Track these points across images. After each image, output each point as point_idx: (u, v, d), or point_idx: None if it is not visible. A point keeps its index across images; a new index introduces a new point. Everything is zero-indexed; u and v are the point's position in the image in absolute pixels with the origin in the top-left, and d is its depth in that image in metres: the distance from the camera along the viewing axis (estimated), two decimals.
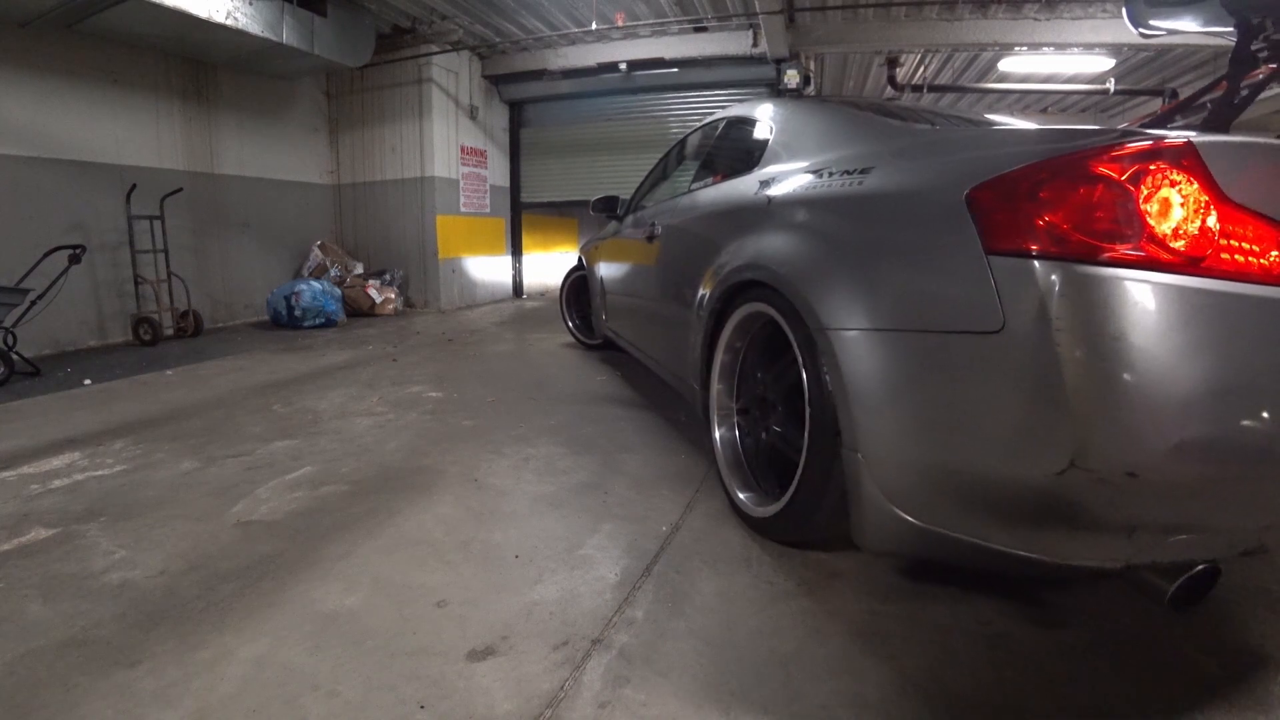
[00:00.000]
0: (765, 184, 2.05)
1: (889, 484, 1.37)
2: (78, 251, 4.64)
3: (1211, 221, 1.11)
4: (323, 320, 6.20)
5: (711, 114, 3.22)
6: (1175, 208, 1.11)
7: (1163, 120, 2.00)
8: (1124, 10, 2.08)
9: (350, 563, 1.78)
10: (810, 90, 7.09)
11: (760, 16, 5.93)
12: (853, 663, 1.37)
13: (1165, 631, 1.48)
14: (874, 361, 1.39)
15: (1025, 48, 6.92)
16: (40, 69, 4.89)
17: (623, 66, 7.44)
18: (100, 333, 5.39)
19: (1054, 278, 1.10)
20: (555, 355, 4.84)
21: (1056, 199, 1.15)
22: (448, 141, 7.52)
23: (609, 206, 4.01)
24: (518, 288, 9.23)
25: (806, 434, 1.61)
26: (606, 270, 4.04)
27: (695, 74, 7.49)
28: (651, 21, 6.96)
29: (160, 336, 5.25)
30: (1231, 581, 1.65)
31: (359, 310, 7.01)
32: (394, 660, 1.37)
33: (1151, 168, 1.12)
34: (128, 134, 5.53)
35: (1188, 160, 1.13)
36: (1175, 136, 1.16)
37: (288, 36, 5.50)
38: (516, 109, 8.66)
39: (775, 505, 1.79)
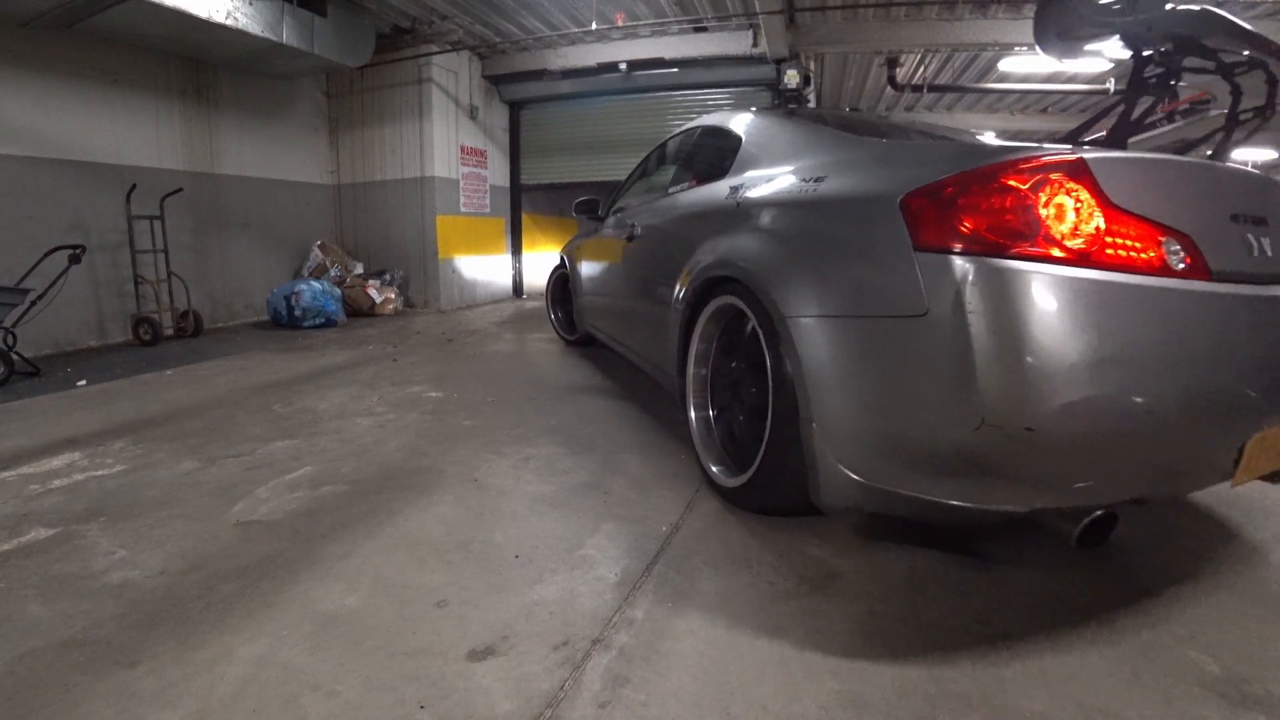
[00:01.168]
0: (735, 189, 2.26)
1: (840, 450, 1.60)
2: (78, 251, 4.64)
3: (1099, 223, 1.35)
4: (323, 320, 6.20)
5: (711, 110, 3.31)
6: (1069, 212, 1.35)
7: (1072, 137, 2.18)
8: (1036, 46, 2.30)
9: (350, 563, 1.78)
10: (810, 90, 7.09)
11: (760, 16, 5.93)
12: (853, 663, 1.37)
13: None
14: (826, 344, 1.62)
15: (1025, 48, 6.92)
16: (40, 69, 4.89)
17: (623, 66, 7.43)
18: (100, 333, 5.39)
19: (967, 270, 1.34)
20: (555, 355, 4.84)
21: (971, 205, 1.38)
22: (448, 141, 7.52)
23: (590, 208, 4.16)
24: (518, 288, 9.23)
25: (770, 411, 1.81)
26: (588, 268, 4.19)
27: (695, 74, 7.49)
28: (651, 21, 6.96)
29: (160, 336, 5.25)
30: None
31: (359, 310, 7.01)
32: (394, 660, 1.37)
33: (1050, 179, 1.36)
34: (128, 134, 5.53)
35: (1080, 173, 1.37)
36: (1070, 152, 1.39)
37: (288, 36, 5.50)
38: (516, 109, 8.65)
39: (744, 476, 1.99)
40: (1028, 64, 7.93)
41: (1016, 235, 1.34)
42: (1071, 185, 1.36)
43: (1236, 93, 2.09)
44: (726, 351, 2.25)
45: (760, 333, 1.87)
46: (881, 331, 1.50)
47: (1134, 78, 1.73)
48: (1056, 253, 1.32)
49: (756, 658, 1.38)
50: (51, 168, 5.00)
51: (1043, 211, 1.34)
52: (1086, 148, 1.48)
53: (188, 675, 1.32)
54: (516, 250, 9.14)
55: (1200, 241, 1.42)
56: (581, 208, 4.21)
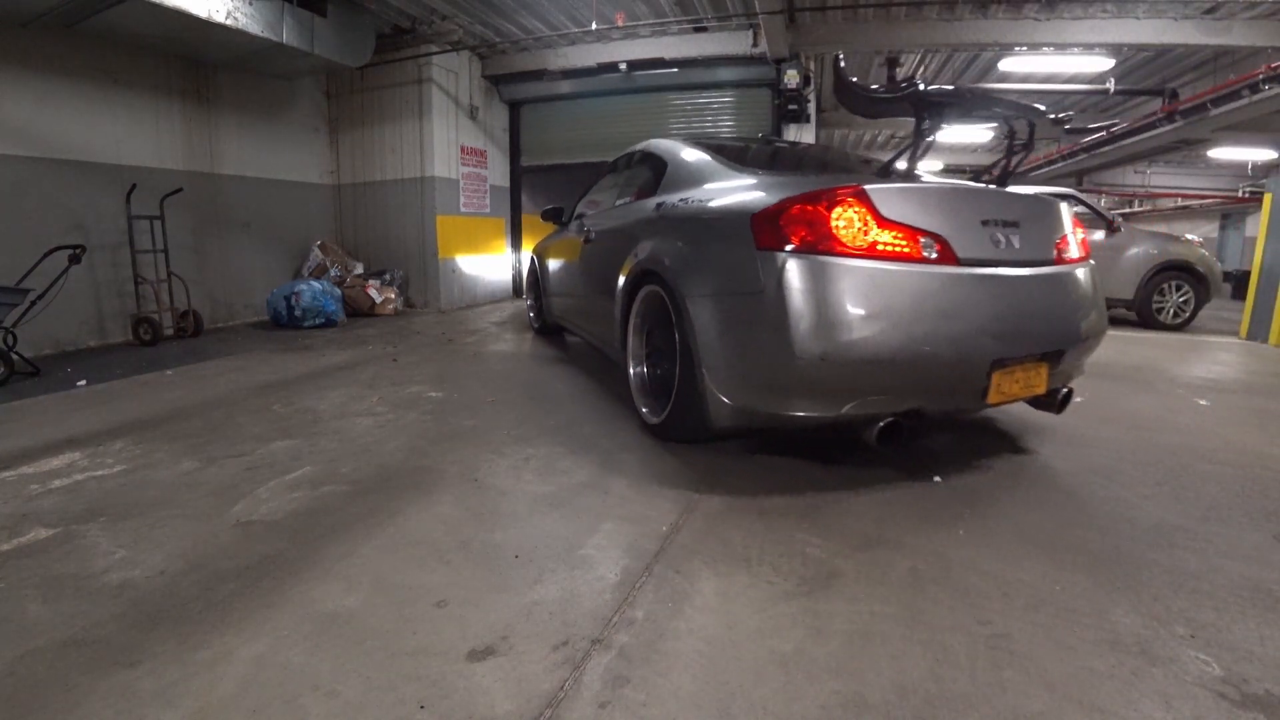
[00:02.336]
0: (659, 205, 2.93)
1: (720, 385, 2.33)
2: (78, 251, 4.64)
3: (873, 229, 2.08)
4: (323, 320, 6.20)
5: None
6: (853, 224, 2.07)
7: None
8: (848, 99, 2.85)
9: (350, 563, 1.78)
10: (810, 90, 7.09)
11: (760, 16, 5.93)
12: (853, 663, 1.37)
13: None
14: (707, 314, 2.35)
15: (1025, 48, 6.92)
16: (40, 69, 4.89)
17: (623, 66, 7.44)
18: (100, 333, 5.39)
19: (785, 261, 2.07)
20: (555, 355, 4.84)
21: (788, 221, 2.11)
22: (448, 141, 7.52)
23: (556, 215, 4.87)
24: (518, 288, 9.23)
25: (679, 365, 2.51)
26: (554, 265, 4.80)
27: (695, 74, 7.49)
28: (651, 21, 6.96)
29: (160, 336, 5.25)
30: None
31: (359, 310, 7.01)
32: (394, 660, 1.37)
33: (839, 203, 2.07)
34: (128, 134, 5.53)
35: (861, 198, 2.09)
36: (855, 184, 2.12)
37: (288, 36, 5.50)
38: (516, 109, 8.65)
39: (664, 413, 2.70)
40: (1028, 64, 7.93)
41: (817, 239, 2.06)
42: (855, 206, 2.08)
43: (1012, 134, 2.64)
44: (653, 326, 2.92)
45: (671, 309, 2.56)
46: (739, 303, 2.22)
47: (916, 129, 2.35)
48: (843, 249, 2.05)
49: (756, 658, 1.38)
50: (51, 168, 5.00)
51: (834, 224, 2.06)
52: (875, 179, 2.26)
53: (188, 675, 1.32)
54: (516, 250, 9.14)
55: (950, 239, 2.15)
56: (548, 215, 4.93)
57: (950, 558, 1.81)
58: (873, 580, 1.70)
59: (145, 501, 2.19)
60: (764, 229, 2.15)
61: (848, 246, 2.04)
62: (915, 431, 2.20)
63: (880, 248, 2.06)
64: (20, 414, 3.28)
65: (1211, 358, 5.04)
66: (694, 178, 2.88)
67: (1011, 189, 2.57)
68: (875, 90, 2.77)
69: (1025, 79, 8.83)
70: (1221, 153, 11.64)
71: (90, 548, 1.87)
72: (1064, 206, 2.61)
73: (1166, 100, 8.50)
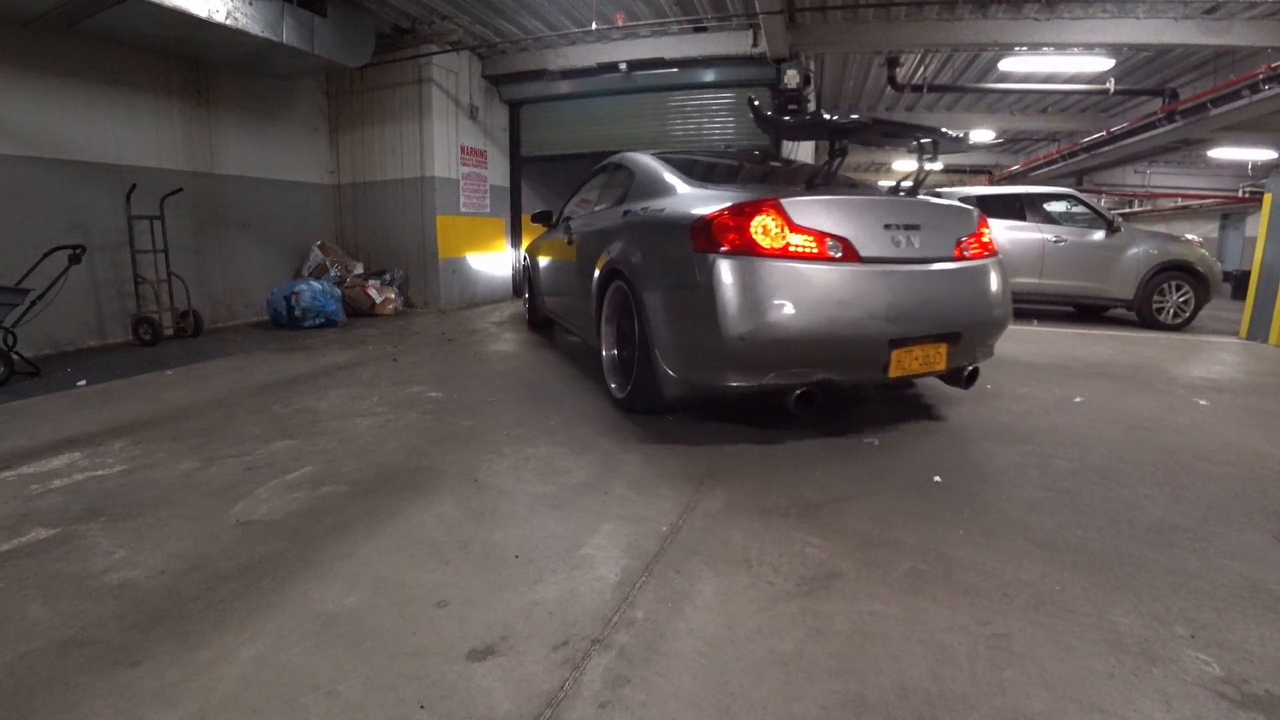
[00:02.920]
0: (626, 212, 3.35)
1: (668, 362, 2.79)
2: (77, 251, 4.63)
3: (786, 235, 2.52)
4: (323, 320, 6.20)
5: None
6: (770, 229, 2.51)
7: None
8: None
9: (350, 563, 1.78)
10: (810, 90, 7.09)
11: (760, 16, 5.93)
12: (853, 663, 1.37)
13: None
14: (658, 305, 2.81)
15: (1025, 48, 6.92)
16: (40, 69, 4.89)
17: (623, 66, 7.43)
18: (100, 333, 5.39)
19: (715, 261, 2.51)
20: (555, 355, 4.84)
21: (718, 228, 2.55)
22: (448, 141, 7.52)
23: (545, 219, 5.27)
24: (518, 288, 9.22)
25: (638, 348, 2.98)
26: (544, 263, 5.27)
27: (695, 74, 7.48)
28: (651, 21, 6.96)
29: (160, 336, 5.25)
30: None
31: (359, 310, 7.00)
32: (394, 660, 1.37)
33: (758, 213, 2.52)
34: (128, 134, 5.53)
35: (776, 208, 2.54)
36: (774, 197, 2.58)
37: (288, 36, 5.49)
38: (516, 109, 8.65)
39: (628, 388, 3.15)
40: (1028, 64, 7.93)
41: (740, 243, 2.51)
42: (771, 216, 2.53)
43: (920, 151, 2.96)
44: (620, 315, 3.35)
45: (632, 301, 3.01)
46: (681, 295, 2.69)
47: (830, 150, 2.84)
48: (761, 251, 2.50)
49: (756, 658, 1.38)
50: (51, 168, 4.99)
51: (753, 231, 2.51)
52: (794, 192, 2.72)
53: (188, 675, 1.32)
54: (516, 250, 9.13)
55: (854, 241, 2.59)
56: (537, 218, 5.35)
57: (950, 558, 1.81)
58: (873, 580, 1.70)
59: (145, 501, 2.19)
60: (699, 235, 2.61)
61: (765, 248, 2.50)
62: (828, 398, 2.70)
63: (792, 249, 2.52)
64: (20, 414, 3.28)
65: (1211, 358, 5.04)
66: (654, 189, 3.30)
67: (918, 198, 3.01)
68: (787, 120, 3.28)
69: (1025, 79, 8.84)
70: (1221, 153, 11.64)
71: (90, 548, 1.87)
72: (973, 213, 3.03)
73: (1166, 100, 8.50)
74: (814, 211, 2.57)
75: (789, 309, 2.43)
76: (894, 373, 2.62)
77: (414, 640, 1.44)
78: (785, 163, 4.19)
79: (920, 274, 2.69)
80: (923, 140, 2.90)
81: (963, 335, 2.75)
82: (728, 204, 2.58)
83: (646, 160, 3.60)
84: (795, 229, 2.52)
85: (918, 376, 2.77)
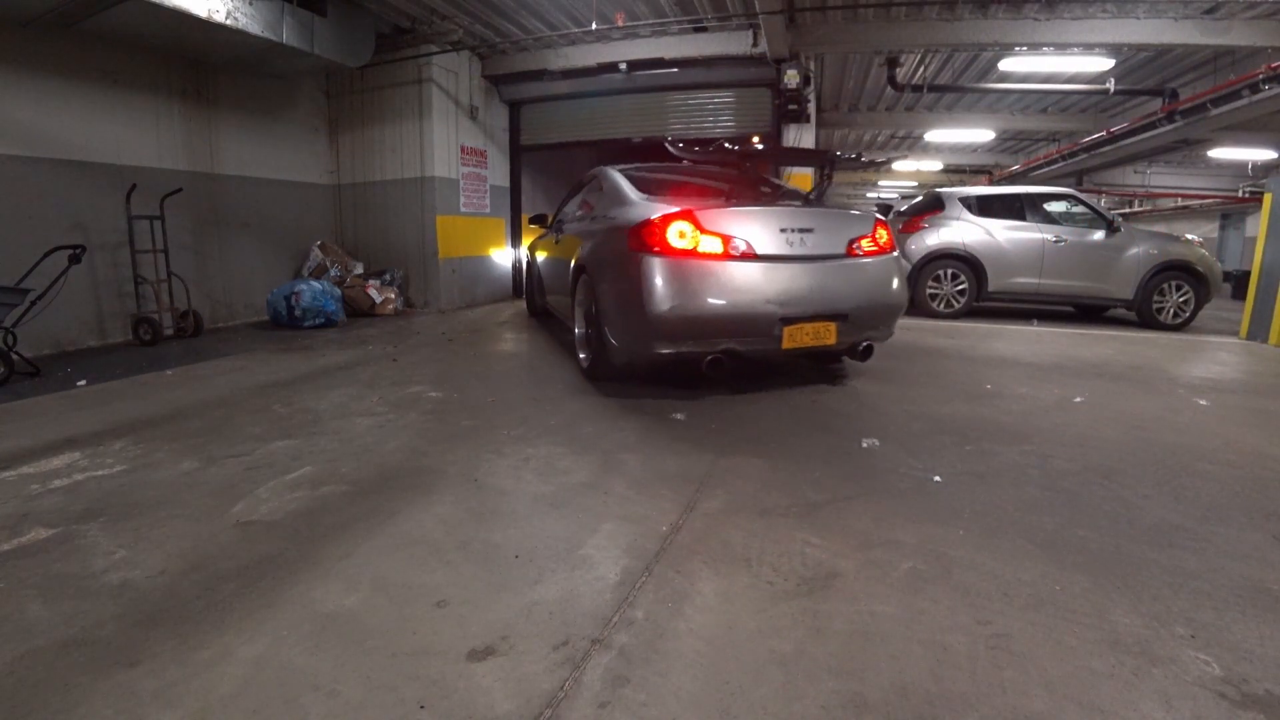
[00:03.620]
0: (594, 218, 4.12)
1: (614, 335, 3.48)
2: (78, 251, 4.63)
3: (699, 238, 3.20)
4: (323, 320, 6.20)
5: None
6: (685, 234, 3.20)
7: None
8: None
9: (350, 563, 1.78)
10: (810, 90, 7.08)
11: (760, 16, 5.93)
12: (853, 663, 1.37)
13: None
14: (607, 291, 3.52)
15: (1025, 48, 6.92)
16: (40, 69, 4.89)
17: (623, 67, 7.43)
18: (100, 333, 5.39)
19: (642, 259, 3.19)
20: (555, 355, 4.84)
21: (644, 233, 3.23)
22: (448, 141, 7.52)
23: (541, 220, 6.14)
24: (518, 288, 9.22)
25: (595, 326, 3.69)
26: (541, 260, 5.97)
27: (695, 74, 7.48)
28: (651, 21, 6.95)
29: (160, 336, 5.25)
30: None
31: (359, 310, 7.00)
32: (394, 660, 1.37)
33: (674, 221, 3.20)
34: (128, 134, 5.53)
35: (690, 217, 3.22)
36: (689, 209, 3.27)
37: (288, 36, 5.49)
38: (516, 109, 8.64)
39: (590, 359, 3.91)
40: (1028, 64, 7.93)
41: (661, 245, 3.17)
42: (685, 223, 3.20)
43: (821, 170, 3.98)
44: (586, 302, 3.92)
45: (593, 289, 3.68)
46: (622, 285, 3.35)
47: (739, 172, 3.63)
48: (676, 252, 3.16)
49: (756, 658, 1.38)
50: (51, 168, 4.99)
51: (670, 235, 3.18)
52: (709, 205, 3.41)
53: (188, 675, 1.32)
54: (516, 250, 9.12)
55: (753, 242, 3.25)
56: (534, 220, 6.26)
57: (950, 558, 1.81)
58: (873, 580, 1.70)
59: (145, 501, 2.19)
60: (633, 237, 3.29)
61: (679, 249, 3.17)
62: (734, 364, 3.33)
63: (701, 249, 3.19)
64: (20, 414, 3.28)
65: (1211, 358, 5.04)
66: (617, 199, 3.93)
67: (818, 207, 3.73)
68: (698, 150, 3.86)
69: (1025, 79, 8.83)
70: (1221, 153, 11.64)
71: (90, 548, 1.87)
72: (869, 218, 3.66)
73: (1166, 100, 8.49)
74: (721, 219, 3.25)
75: (698, 294, 3.11)
76: (786, 345, 3.27)
77: (414, 640, 1.44)
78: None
79: (810, 267, 3.33)
80: (824, 163, 3.93)
81: (850, 316, 3.39)
82: (656, 215, 3.24)
83: (614, 175, 4.22)
84: (706, 233, 3.20)
85: (813, 349, 3.39)
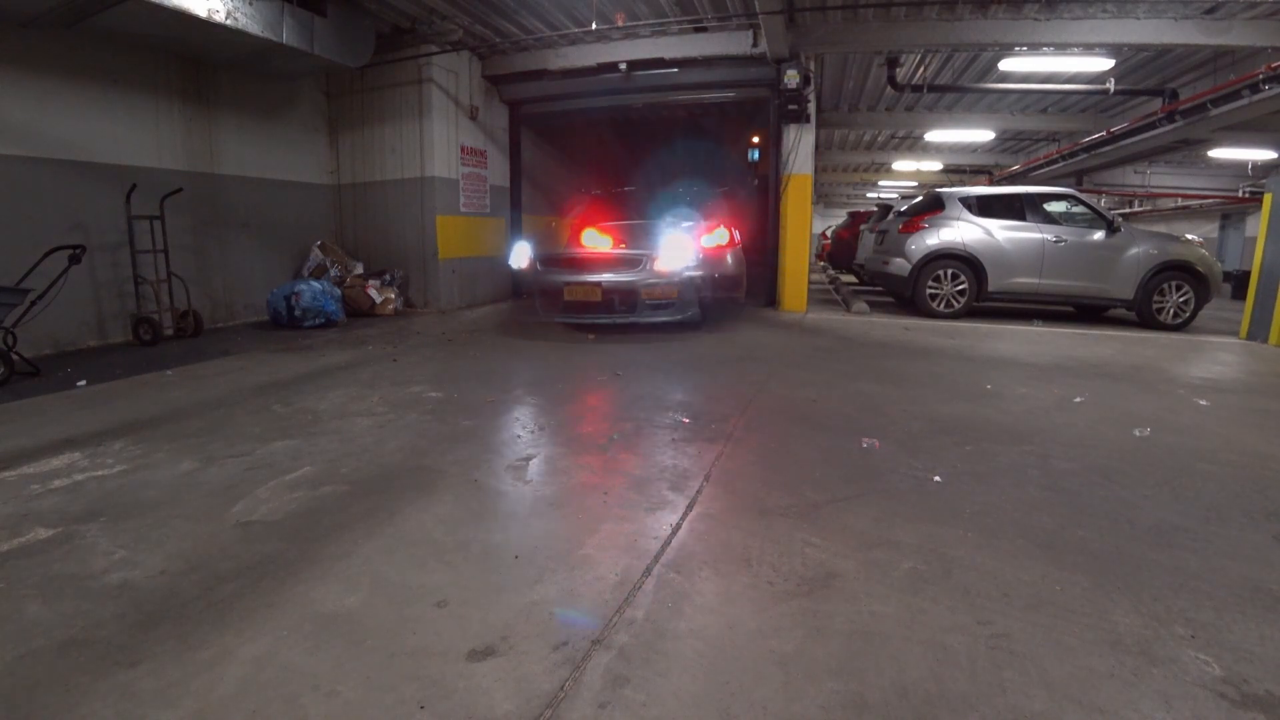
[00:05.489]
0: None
1: (539, 303, 6.11)
2: (77, 251, 4.63)
3: (558, 258, 6.04)
4: (323, 320, 6.20)
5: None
6: (549, 258, 6.09)
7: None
8: None
9: (350, 563, 1.78)
10: (810, 90, 7.08)
11: (760, 16, 5.93)
12: (853, 663, 1.37)
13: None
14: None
15: (1025, 48, 6.92)
16: (40, 69, 4.89)
17: (623, 67, 7.42)
18: (100, 333, 5.39)
19: (538, 267, 6.06)
20: (554, 356, 4.84)
21: (540, 259, 6.06)
22: (448, 141, 7.51)
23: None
24: (518, 288, 9.21)
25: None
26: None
27: (695, 74, 7.48)
28: (651, 21, 6.95)
29: (160, 336, 5.24)
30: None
31: (359, 310, 7.00)
32: (394, 660, 1.37)
33: (554, 253, 6.17)
34: (128, 134, 5.53)
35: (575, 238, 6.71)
36: (568, 248, 6.38)
37: (288, 36, 5.49)
38: (516, 109, 8.64)
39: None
40: (1028, 64, 7.93)
41: (538, 263, 5.95)
42: (550, 253, 6.08)
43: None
44: None
45: None
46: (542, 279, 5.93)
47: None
48: (546, 265, 5.90)
49: (756, 658, 1.38)
50: (51, 168, 4.99)
51: (537, 261, 5.95)
52: (558, 248, 6.48)
53: (188, 675, 1.32)
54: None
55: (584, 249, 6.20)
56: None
57: (950, 558, 1.81)
58: (873, 580, 1.70)
59: (145, 501, 2.19)
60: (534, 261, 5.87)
61: (559, 262, 5.72)
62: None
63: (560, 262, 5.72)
64: (20, 414, 3.28)
65: (1211, 358, 5.04)
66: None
67: (643, 224, 6.20)
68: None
69: (1025, 79, 8.83)
70: (1221, 153, 11.62)
71: (90, 548, 1.87)
72: (682, 235, 5.68)
73: (1166, 100, 8.49)
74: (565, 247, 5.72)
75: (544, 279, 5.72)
76: (568, 297, 5.52)
77: (414, 640, 1.44)
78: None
79: (610, 261, 5.64)
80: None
81: (602, 283, 5.46)
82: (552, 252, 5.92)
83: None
84: (556, 259, 5.83)
85: (582, 303, 5.51)
